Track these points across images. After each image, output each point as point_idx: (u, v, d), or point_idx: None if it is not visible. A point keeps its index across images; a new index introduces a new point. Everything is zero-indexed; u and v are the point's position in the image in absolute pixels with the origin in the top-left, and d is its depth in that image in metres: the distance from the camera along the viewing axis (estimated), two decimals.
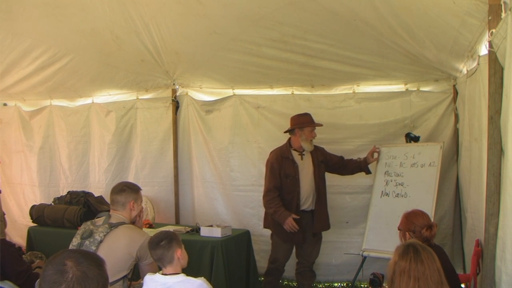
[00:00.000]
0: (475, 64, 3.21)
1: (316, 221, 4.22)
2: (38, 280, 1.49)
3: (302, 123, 4.21)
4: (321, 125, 4.28)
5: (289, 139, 4.32)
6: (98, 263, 1.53)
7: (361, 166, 4.38)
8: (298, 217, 4.06)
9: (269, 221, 4.28)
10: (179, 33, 4.16)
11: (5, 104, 6.38)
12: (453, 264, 3.48)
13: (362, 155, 4.72)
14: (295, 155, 4.24)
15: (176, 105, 5.46)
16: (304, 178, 4.18)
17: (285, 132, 4.35)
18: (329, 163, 4.37)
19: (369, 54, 4.06)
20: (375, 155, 4.38)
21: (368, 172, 4.42)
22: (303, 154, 4.25)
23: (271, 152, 4.33)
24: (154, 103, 5.55)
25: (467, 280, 3.28)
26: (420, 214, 2.82)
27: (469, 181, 3.74)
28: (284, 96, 5.06)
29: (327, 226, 4.32)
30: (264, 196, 4.21)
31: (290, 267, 4.44)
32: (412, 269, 2.00)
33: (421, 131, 4.57)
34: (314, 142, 4.48)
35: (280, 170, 4.15)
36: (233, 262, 4.05)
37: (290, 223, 4.02)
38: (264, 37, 3.98)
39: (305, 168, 4.21)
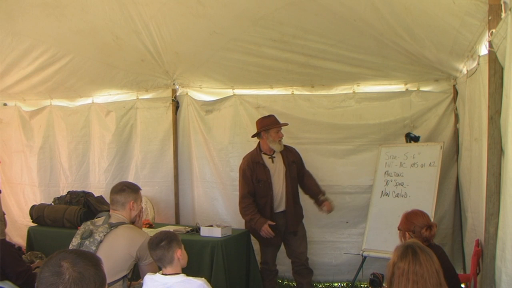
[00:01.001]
0: (475, 64, 3.21)
1: (289, 221, 4.21)
2: (36, 283, 1.47)
3: (267, 125, 4.20)
4: (286, 124, 4.26)
5: (259, 143, 4.30)
6: (94, 262, 1.52)
7: (315, 197, 4.29)
8: (273, 223, 4.08)
9: (248, 225, 4.31)
10: (179, 33, 4.16)
11: (5, 104, 6.37)
12: (453, 264, 3.48)
13: (362, 155, 4.75)
14: (266, 159, 4.22)
15: (176, 105, 5.45)
16: (276, 181, 4.18)
17: (252, 137, 4.36)
18: (298, 166, 4.33)
19: (369, 54, 4.06)
20: (324, 208, 4.24)
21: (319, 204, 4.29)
22: (274, 157, 4.24)
23: (243, 158, 4.33)
24: (154, 103, 5.55)
25: (467, 280, 3.28)
26: (420, 214, 2.83)
27: (469, 181, 3.73)
28: (284, 96, 5.05)
29: (300, 220, 4.29)
30: (239, 203, 4.24)
31: (289, 267, 4.44)
32: (410, 271, 2.00)
33: (421, 131, 4.56)
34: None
35: (252, 175, 4.16)
36: (233, 262, 4.04)
37: (266, 230, 4.06)
38: (264, 37, 3.98)
39: (277, 171, 4.21)
